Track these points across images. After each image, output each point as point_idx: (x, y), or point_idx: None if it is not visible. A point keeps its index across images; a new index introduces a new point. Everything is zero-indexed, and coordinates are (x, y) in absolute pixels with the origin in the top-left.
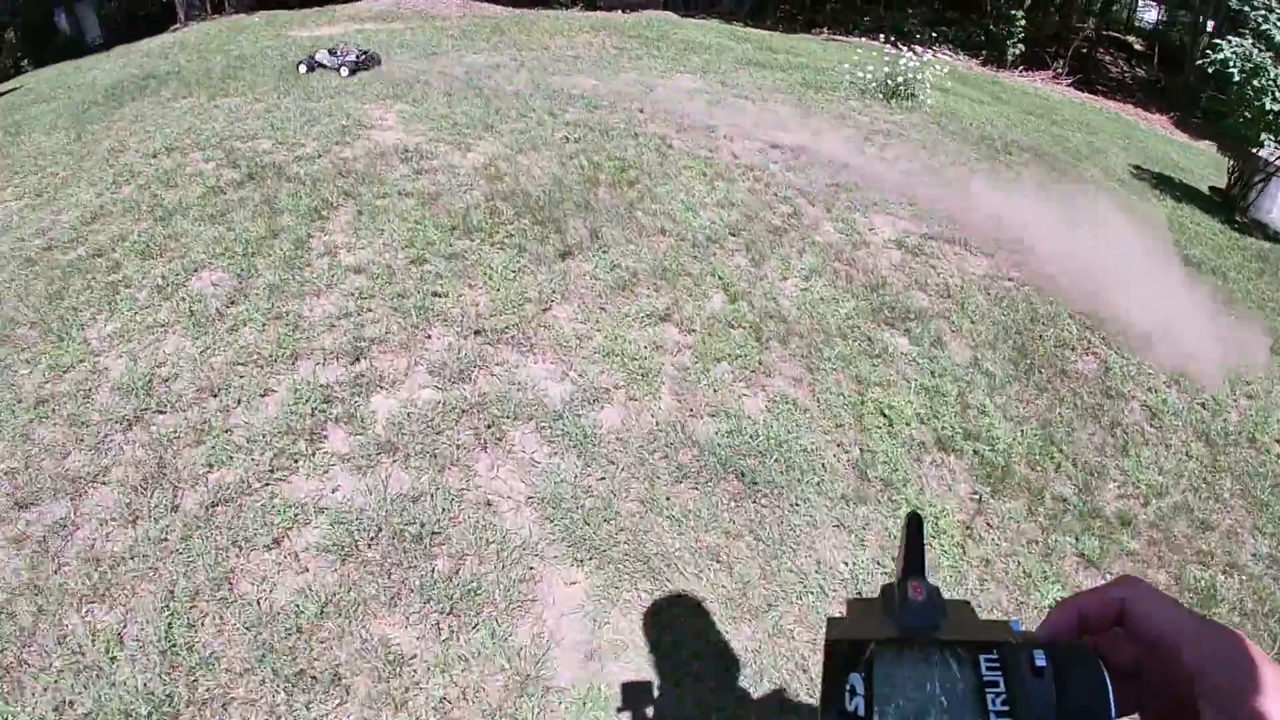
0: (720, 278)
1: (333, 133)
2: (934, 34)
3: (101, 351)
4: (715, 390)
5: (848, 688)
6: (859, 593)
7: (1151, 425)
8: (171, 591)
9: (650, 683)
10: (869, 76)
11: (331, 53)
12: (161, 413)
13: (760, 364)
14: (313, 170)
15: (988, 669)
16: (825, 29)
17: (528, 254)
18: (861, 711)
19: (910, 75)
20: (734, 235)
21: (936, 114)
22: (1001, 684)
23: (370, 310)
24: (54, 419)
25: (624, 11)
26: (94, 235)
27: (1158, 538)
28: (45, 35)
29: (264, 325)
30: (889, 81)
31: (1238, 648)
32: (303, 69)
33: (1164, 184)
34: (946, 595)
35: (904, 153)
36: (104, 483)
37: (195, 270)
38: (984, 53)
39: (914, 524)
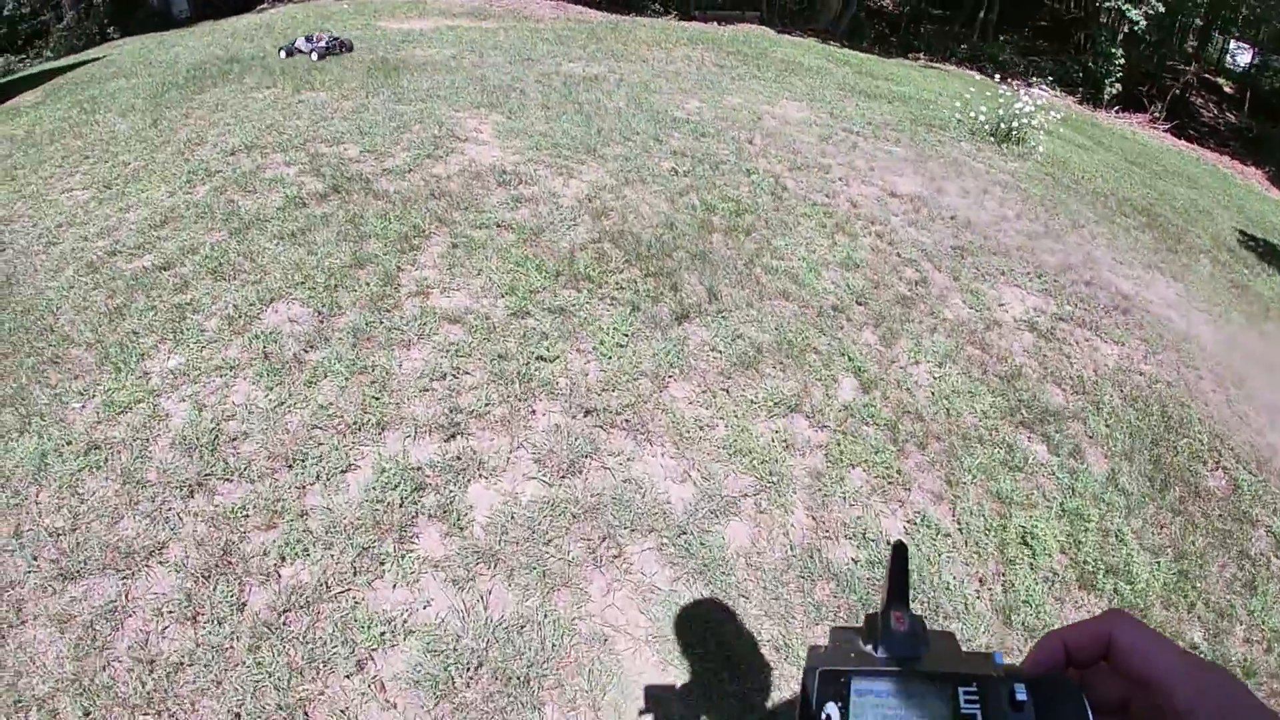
0: (850, 359)
1: (424, 143)
2: (1029, 66)
3: (163, 391)
4: (851, 504)
5: (824, 717)
6: None
7: (1278, 556)
8: (237, 715)
9: None
10: (980, 118)
11: (308, 39)
12: (228, 480)
13: (898, 473)
14: (403, 188)
15: (966, 702)
16: (921, 55)
17: (641, 314)
18: None
19: (1024, 120)
20: (861, 304)
21: (1049, 163)
22: (979, 717)
23: (468, 373)
24: (106, 471)
25: (720, 23)
26: (163, 243)
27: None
28: (132, 4)
29: (347, 380)
30: (1001, 125)
31: (1229, 688)
32: (282, 54)
33: (1273, 255)
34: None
35: (1024, 210)
36: (160, 561)
37: (271, 301)
38: (1080, 90)
39: (899, 553)
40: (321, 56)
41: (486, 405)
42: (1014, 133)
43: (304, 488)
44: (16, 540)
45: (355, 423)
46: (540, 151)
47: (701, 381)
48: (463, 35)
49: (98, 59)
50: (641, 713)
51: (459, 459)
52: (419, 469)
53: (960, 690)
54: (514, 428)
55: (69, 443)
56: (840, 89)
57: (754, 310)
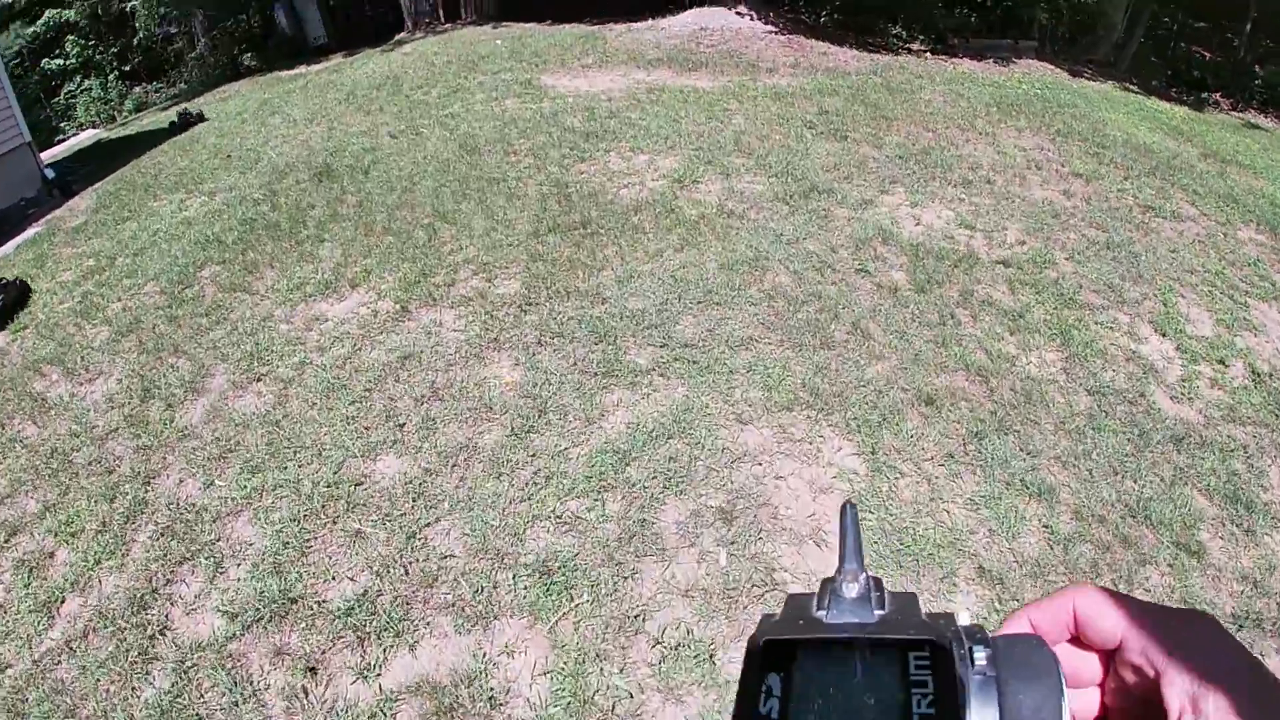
0: None
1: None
2: None
3: None
4: None
5: (764, 689)
6: None
7: None
8: None
9: None
10: None
11: None
12: None
13: None
14: None
15: (916, 667)
16: (1255, 110)
17: None
18: (775, 714)
19: None
20: None
21: None
22: (930, 683)
23: None
24: None
25: (995, 61)
26: None
27: None
28: (266, 32)
29: None
30: None
31: (1203, 628)
32: None
33: None
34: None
35: None
36: None
37: None
38: None
39: (848, 512)
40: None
41: None
42: None
43: None
44: None
45: None
46: None
47: None
48: (674, 112)
49: (160, 142)
50: None
51: None
52: None
53: (911, 655)
54: None
55: None
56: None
57: None
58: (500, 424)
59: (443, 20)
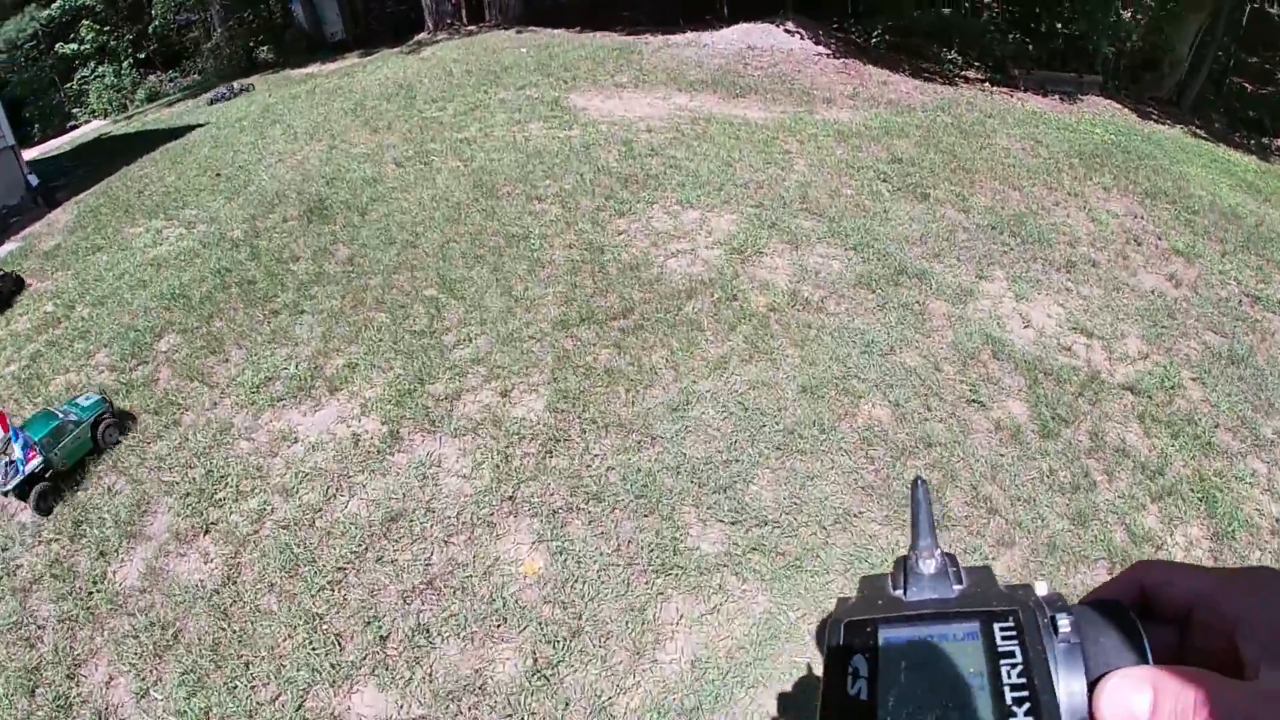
0: None
1: None
2: None
3: None
4: None
5: (850, 671)
6: None
7: None
8: None
9: None
10: None
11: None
12: None
13: None
14: None
15: (1003, 638)
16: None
17: None
18: (865, 695)
19: None
20: None
21: None
22: (1018, 654)
23: None
24: None
25: (1061, 99)
26: None
27: None
28: (284, 25)
29: None
30: None
31: (1273, 581)
32: None
33: None
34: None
35: None
36: None
37: None
38: None
39: (919, 488)
40: None
41: None
42: None
43: None
44: None
45: None
46: None
47: None
48: (725, 151)
49: (159, 144)
50: None
51: None
52: None
53: (996, 626)
54: None
55: None
56: None
57: None
58: (518, 646)
59: (465, 22)
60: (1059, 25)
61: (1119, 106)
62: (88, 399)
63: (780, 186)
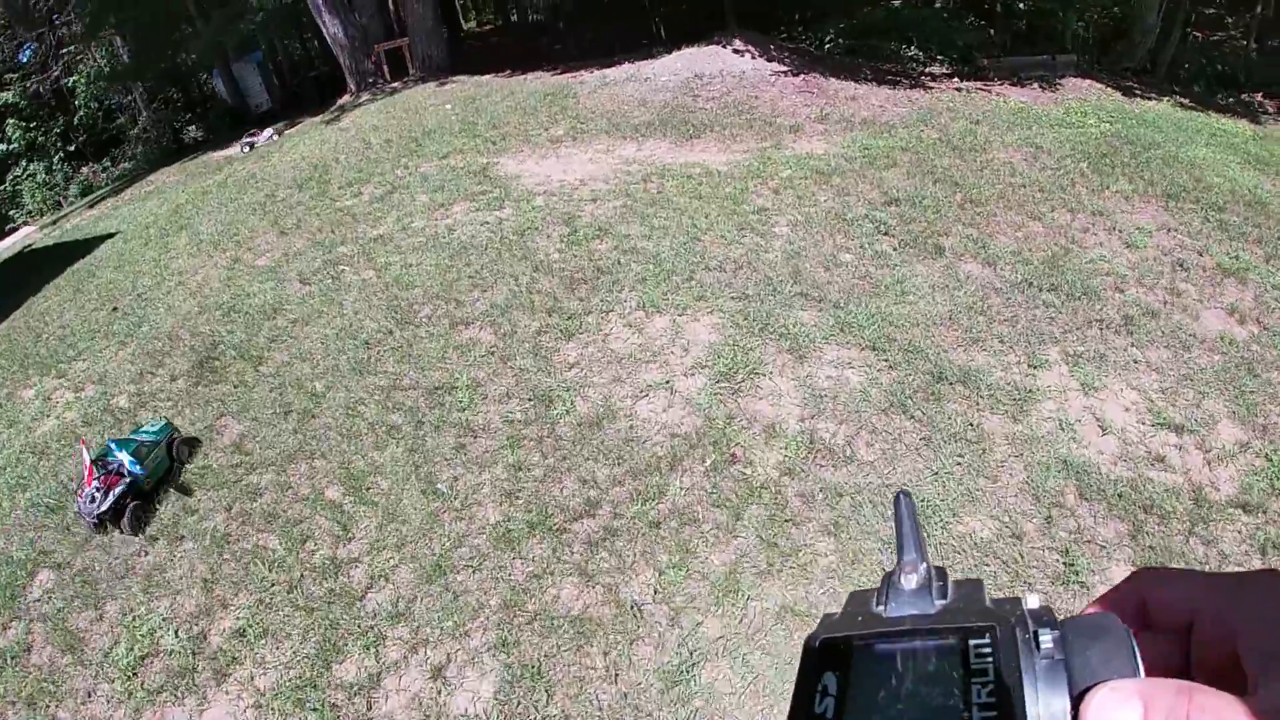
0: None
1: None
2: None
3: None
4: None
5: (820, 688)
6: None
7: None
8: None
9: None
10: None
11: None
12: None
13: None
14: None
15: (977, 655)
16: (1259, 95)
17: None
18: (830, 714)
19: None
20: None
21: None
22: (990, 672)
23: None
24: None
25: (1041, 86)
26: None
27: None
28: (208, 101)
29: None
30: None
31: (1277, 587)
32: None
33: None
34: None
35: None
36: None
37: None
38: None
39: (903, 502)
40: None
41: None
42: None
43: None
44: None
45: None
46: None
47: None
48: (688, 220)
49: (82, 254)
50: None
51: None
52: None
53: (971, 643)
54: None
55: None
56: None
57: None
58: None
59: (389, 79)
60: (1020, 4)
61: (1101, 87)
62: (153, 425)
63: (763, 263)
